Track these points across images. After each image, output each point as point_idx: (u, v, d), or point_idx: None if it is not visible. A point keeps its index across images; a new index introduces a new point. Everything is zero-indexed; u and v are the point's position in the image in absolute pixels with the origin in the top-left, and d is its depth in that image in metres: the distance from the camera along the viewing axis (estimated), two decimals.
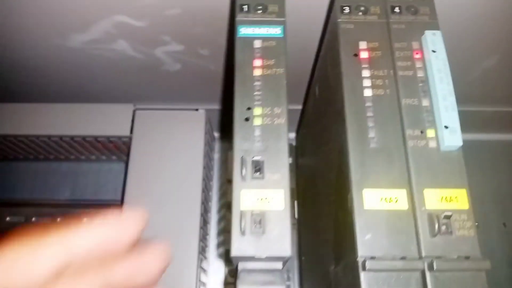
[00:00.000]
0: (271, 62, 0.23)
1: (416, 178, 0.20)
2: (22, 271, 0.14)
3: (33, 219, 0.42)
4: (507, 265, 0.44)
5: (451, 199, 0.20)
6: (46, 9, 0.32)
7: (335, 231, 0.24)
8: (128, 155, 0.39)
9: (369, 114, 0.22)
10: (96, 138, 0.39)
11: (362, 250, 0.19)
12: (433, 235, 0.19)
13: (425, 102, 0.22)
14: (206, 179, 0.40)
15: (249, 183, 0.20)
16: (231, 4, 0.31)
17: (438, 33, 0.23)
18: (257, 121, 0.21)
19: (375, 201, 0.20)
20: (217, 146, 0.48)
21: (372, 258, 0.19)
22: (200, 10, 0.32)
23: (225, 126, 0.49)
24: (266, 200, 0.20)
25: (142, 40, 0.36)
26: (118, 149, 0.42)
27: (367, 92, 0.22)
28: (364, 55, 0.23)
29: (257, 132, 0.21)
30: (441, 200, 0.20)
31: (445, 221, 0.19)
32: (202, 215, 0.37)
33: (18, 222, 0.42)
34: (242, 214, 0.20)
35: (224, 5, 0.31)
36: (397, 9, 0.24)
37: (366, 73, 0.22)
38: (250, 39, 0.23)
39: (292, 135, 0.47)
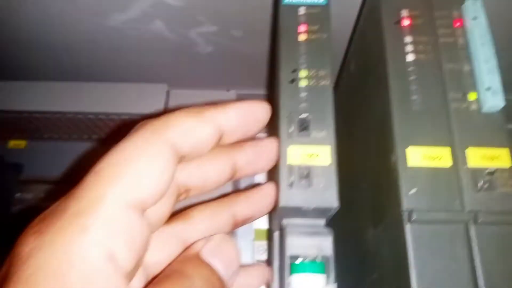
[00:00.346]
0: (316, 27, 0.23)
1: (459, 138, 0.21)
2: (194, 132, 0.17)
3: None
4: None
5: (493, 157, 0.21)
6: None
7: (374, 193, 0.24)
8: None
9: (412, 77, 0.22)
10: (131, 116, 0.40)
11: (407, 203, 0.20)
12: (477, 190, 0.20)
13: (466, 67, 0.22)
14: None
15: (296, 140, 0.21)
16: None
17: (478, 0, 0.23)
18: (303, 83, 0.22)
19: (419, 158, 0.21)
20: None
21: (417, 210, 0.19)
22: None
23: None
24: (313, 156, 0.21)
25: (178, 20, 0.37)
26: None
27: (410, 57, 0.23)
28: (406, 22, 0.23)
29: (303, 93, 0.22)
30: (483, 158, 0.21)
31: (488, 178, 0.20)
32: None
33: None
34: (289, 168, 0.20)
35: None
36: None
37: (408, 39, 0.23)
38: (294, 7, 0.24)
39: None
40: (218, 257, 0.18)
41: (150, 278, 0.18)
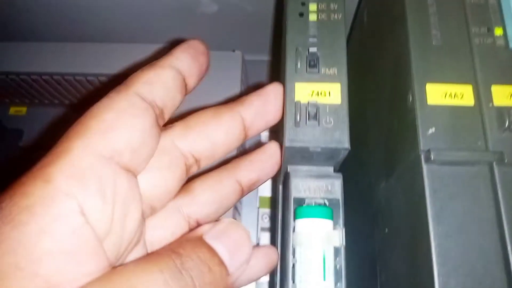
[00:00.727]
0: None
1: (483, 75, 0.19)
2: (156, 79, 0.17)
3: None
4: None
5: None
6: None
7: (388, 140, 0.22)
8: None
9: (432, 10, 0.20)
10: None
11: (425, 143, 0.18)
12: (503, 130, 0.18)
13: (492, 0, 0.20)
14: None
15: (304, 76, 0.19)
16: None
17: None
18: (313, 17, 0.20)
19: (439, 96, 0.19)
20: None
21: (436, 150, 0.18)
22: None
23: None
24: (322, 94, 0.19)
25: None
26: None
27: None
28: None
29: (312, 28, 0.20)
30: (510, 97, 0.19)
31: None
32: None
33: None
34: (296, 106, 0.19)
35: None
36: None
37: None
38: None
39: None
40: (222, 241, 0.16)
41: None
